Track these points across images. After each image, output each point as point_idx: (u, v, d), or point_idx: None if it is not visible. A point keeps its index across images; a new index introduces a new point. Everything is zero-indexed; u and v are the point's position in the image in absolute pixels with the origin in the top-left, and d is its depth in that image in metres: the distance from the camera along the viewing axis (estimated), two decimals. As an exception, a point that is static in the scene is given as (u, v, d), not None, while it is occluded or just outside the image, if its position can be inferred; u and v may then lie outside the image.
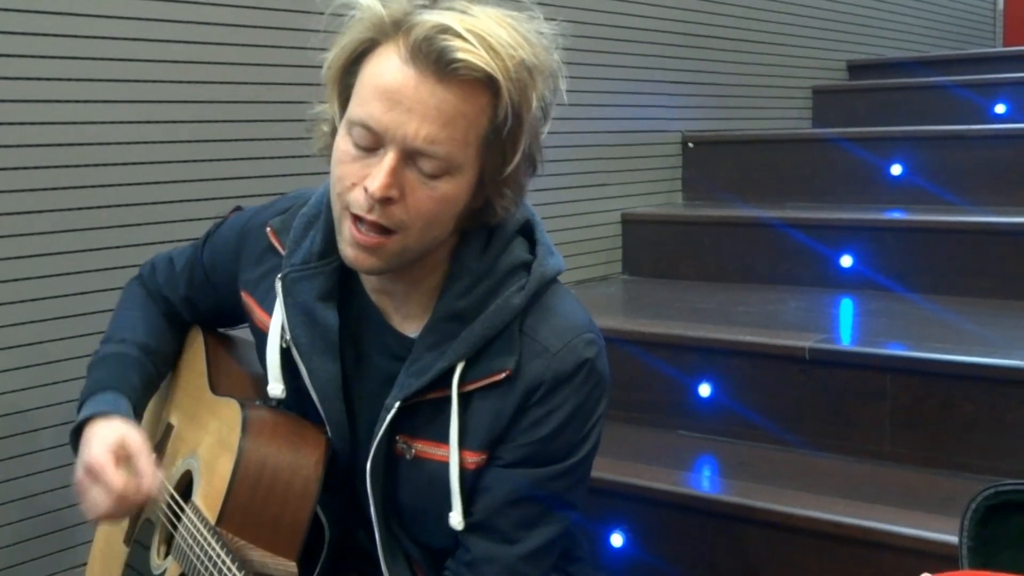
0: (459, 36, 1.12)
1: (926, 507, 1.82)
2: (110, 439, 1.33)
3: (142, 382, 1.47)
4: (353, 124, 1.17)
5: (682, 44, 3.28)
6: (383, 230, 1.18)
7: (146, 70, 1.94)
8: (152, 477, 1.31)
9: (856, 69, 4.08)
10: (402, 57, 1.14)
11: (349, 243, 1.20)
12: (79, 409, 1.41)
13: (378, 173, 1.15)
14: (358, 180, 1.17)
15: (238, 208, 1.52)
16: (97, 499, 1.31)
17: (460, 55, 1.12)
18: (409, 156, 1.15)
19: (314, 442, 1.30)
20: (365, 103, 1.16)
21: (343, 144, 1.19)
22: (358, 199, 1.17)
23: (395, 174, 1.15)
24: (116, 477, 1.29)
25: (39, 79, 1.79)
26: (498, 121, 1.16)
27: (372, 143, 1.16)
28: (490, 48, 1.13)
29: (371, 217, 1.17)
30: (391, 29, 1.16)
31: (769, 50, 3.64)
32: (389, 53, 1.16)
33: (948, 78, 3.59)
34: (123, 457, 1.32)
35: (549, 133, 3.04)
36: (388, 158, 1.15)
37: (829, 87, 3.89)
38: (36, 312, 1.81)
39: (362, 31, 1.18)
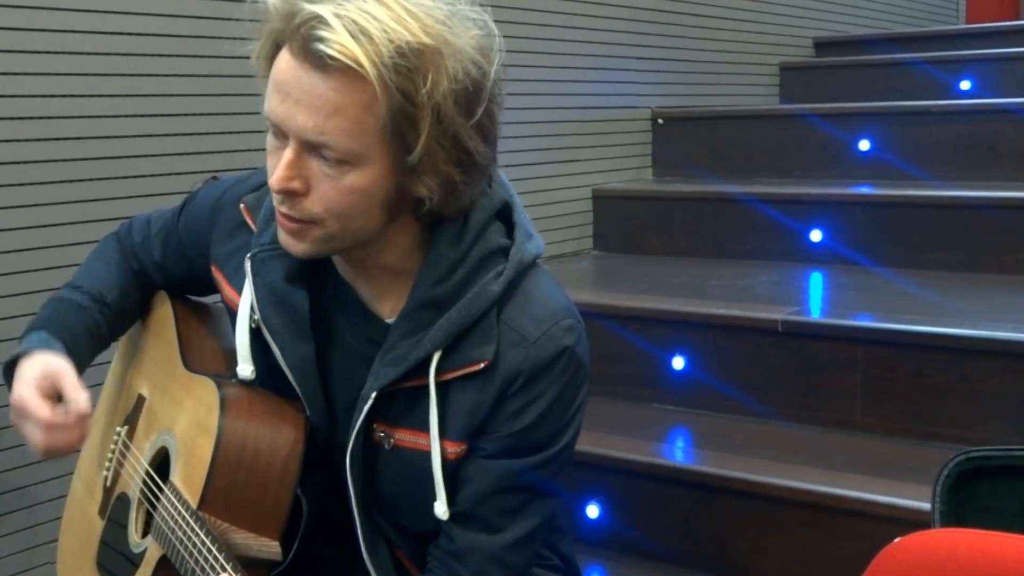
0: (328, 24, 1.09)
1: (897, 475, 1.85)
2: (32, 374, 1.33)
3: (85, 329, 1.45)
4: (266, 119, 1.18)
5: (651, 21, 3.28)
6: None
7: (122, 44, 1.93)
8: (80, 398, 1.31)
9: (822, 46, 4.11)
10: (291, 51, 1.13)
11: (281, 230, 1.21)
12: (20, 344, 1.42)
13: (278, 166, 1.15)
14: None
15: (214, 178, 1.50)
16: (32, 434, 1.31)
17: (322, 47, 1.09)
18: (310, 147, 1.14)
19: (293, 420, 1.29)
20: (268, 97, 1.17)
21: (268, 137, 1.20)
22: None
23: (293, 167, 1.14)
24: (41, 408, 1.30)
25: (13, 51, 1.78)
26: (392, 108, 1.12)
27: (281, 135, 1.16)
28: (362, 33, 1.08)
29: (283, 210, 1.17)
30: (284, 21, 1.14)
31: (737, 27, 3.66)
32: (287, 48, 1.15)
33: (914, 55, 3.63)
34: (48, 387, 1.32)
35: (520, 109, 3.04)
36: (287, 151, 1.15)
37: (796, 64, 3.91)
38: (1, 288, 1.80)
39: (269, 25, 1.17)
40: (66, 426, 1.31)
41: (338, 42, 1.08)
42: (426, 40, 1.10)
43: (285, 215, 1.18)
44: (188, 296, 1.56)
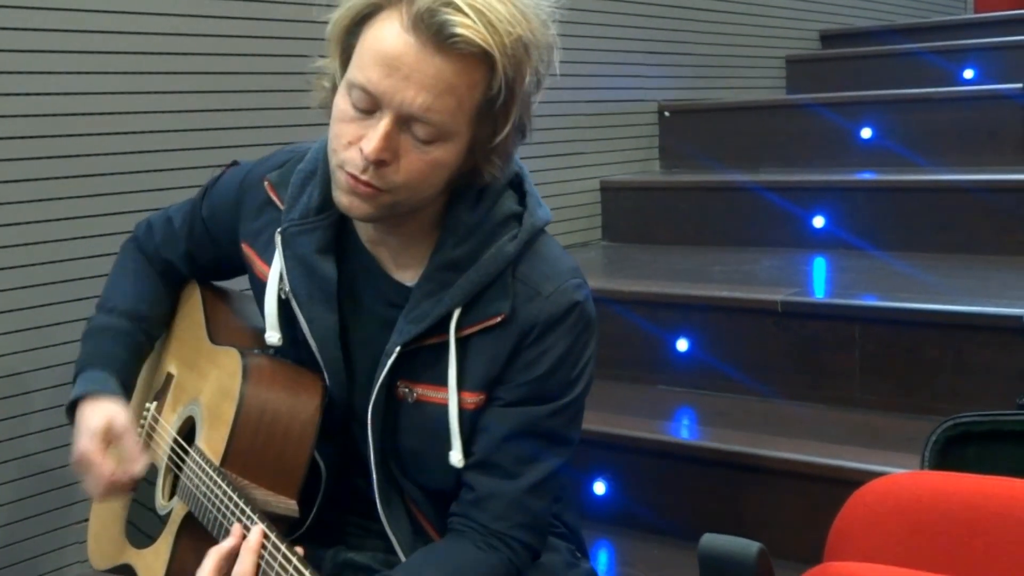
0: (460, 11, 1.16)
1: (893, 446, 1.91)
2: (97, 425, 1.42)
3: (131, 354, 1.54)
4: (352, 86, 1.22)
5: (658, 16, 3.35)
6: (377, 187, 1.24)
7: (139, 22, 1.99)
8: (138, 459, 1.42)
9: (828, 38, 4.16)
10: (403, 25, 1.18)
11: (345, 191, 1.25)
12: (74, 381, 1.50)
13: (373, 136, 1.19)
14: (354, 140, 1.22)
15: (234, 163, 1.56)
16: (91, 485, 1.42)
17: (459, 30, 1.16)
18: (404, 121, 1.20)
19: (312, 388, 1.37)
20: (365, 67, 1.20)
21: (342, 103, 1.24)
22: (354, 158, 1.22)
23: (389, 138, 1.20)
24: (104, 467, 1.40)
25: (31, 51, 1.86)
26: (492, 94, 1.21)
27: (369, 106, 1.21)
28: (489, 24, 1.17)
29: (364, 178, 1.22)
30: None
31: (744, 21, 3.71)
32: (391, 19, 1.19)
33: (918, 45, 3.68)
34: (110, 440, 1.42)
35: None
36: (384, 122, 1.19)
37: (802, 56, 3.96)
38: (27, 278, 1.88)
39: None
40: (124, 482, 1.42)
41: (472, 28, 1.16)
42: (531, 35, 1.21)
43: (364, 182, 1.23)
44: (214, 283, 1.63)
